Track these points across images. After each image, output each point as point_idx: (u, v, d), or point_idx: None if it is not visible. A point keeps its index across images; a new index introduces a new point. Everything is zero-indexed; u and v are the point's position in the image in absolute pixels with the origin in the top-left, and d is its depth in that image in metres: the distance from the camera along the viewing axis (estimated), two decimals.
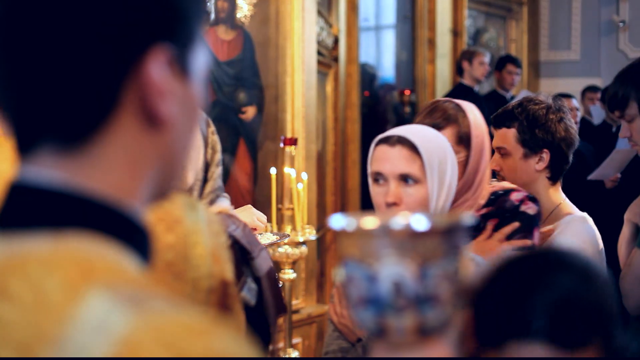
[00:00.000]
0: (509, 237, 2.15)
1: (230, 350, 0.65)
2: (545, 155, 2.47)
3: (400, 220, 1.02)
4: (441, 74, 6.80)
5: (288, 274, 3.64)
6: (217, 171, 2.15)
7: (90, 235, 0.71)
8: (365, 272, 0.99)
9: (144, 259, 0.77)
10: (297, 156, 4.29)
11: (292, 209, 3.72)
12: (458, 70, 6.52)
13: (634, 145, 2.35)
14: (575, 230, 2.42)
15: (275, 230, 3.69)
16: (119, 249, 0.72)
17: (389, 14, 7.06)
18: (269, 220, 3.73)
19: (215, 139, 2.12)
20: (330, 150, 5.29)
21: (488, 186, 2.22)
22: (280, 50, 4.47)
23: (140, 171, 0.77)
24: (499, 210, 2.18)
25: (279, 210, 3.75)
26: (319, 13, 4.88)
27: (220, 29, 4.28)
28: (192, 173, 1.79)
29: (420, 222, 1.00)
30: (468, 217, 1.05)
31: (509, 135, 2.50)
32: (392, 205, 1.85)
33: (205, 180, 2.13)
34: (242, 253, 1.75)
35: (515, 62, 6.82)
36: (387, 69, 7.16)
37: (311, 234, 3.72)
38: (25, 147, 0.75)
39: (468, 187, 2.18)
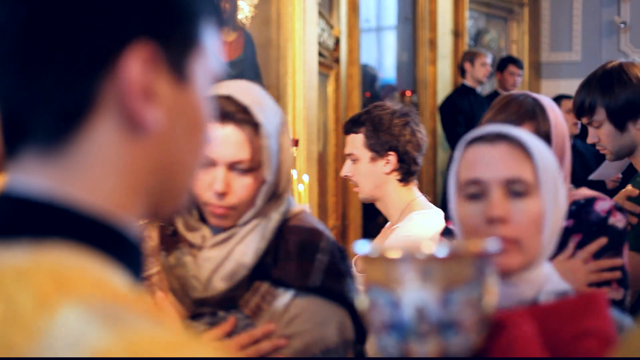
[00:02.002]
0: (596, 256, 1.89)
1: None
2: (392, 158, 2.53)
3: (425, 247, 1.00)
4: (442, 75, 6.79)
5: None
6: None
7: (71, 247, 0.67)
8: (389, 297, 0.98)
9: (134, 273, 0.72)
10: (299, 157, 4.28)
11: None
12: (460, 71, 6.52)
13: (602, 149, 2.44)
14: (415, 223, 2.48)
15: None
16: (103, 261, 0.68)
17: (390, 15, 7.06)
18: None
19: None
20: (332, 152, 5.29)
21: (568, 194, 1.89)
22: (281, 52, 4.47)
23: (128, 181, 0.72)
24: (583, 223, 1.91)
25: None
26: (320, 14, 4.88)
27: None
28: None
29: (443, 248, 0.99)
30: (493, 243, 1.04)
31: (356, 141, 2.57)
32: (497, 222, 1.31)
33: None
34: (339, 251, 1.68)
35: (517, 63, 6.82)
36: (388, 70, 7.16)
37: None
38: (11, 151, 0.72)
39: None
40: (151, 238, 1.70)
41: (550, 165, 1.36)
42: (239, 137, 1.58)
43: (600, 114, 2.35)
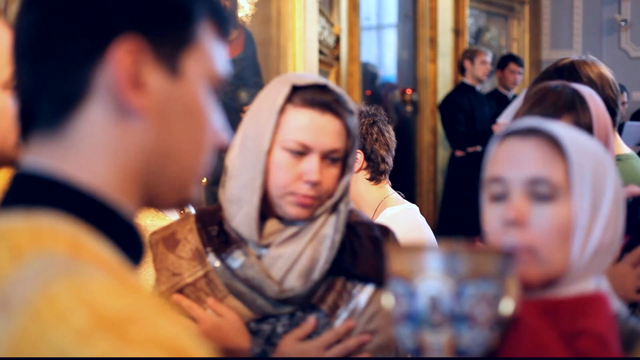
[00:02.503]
0: None
1: (146, 317, 0.65)
2: (359, 156, 2.54)
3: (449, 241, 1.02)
4: (443, 73, 6.79)
5: None
6: None
7: (59, 215, 0.74)
8: (406, 288, 1.00)
9: (123, 248, 0.77)
10: None
11: None
12: (460, 69, 6.52)
13: None
14: (390, 219, 2.47)
15: None
16: (86, 229, 0.74)
17: (391, 13, 7.05)
18: None
19: None
20: None
21: None
22: (281, 50, 4.46)
23: (119, 163, 0.79)
24: (631, 224, 1.62)
25: None
26: (321, 12, 4.88)
27: None
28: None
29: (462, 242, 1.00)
30: (508, 244, 1.03)
31: None
32: (512, 225, 1.14)
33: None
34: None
35: (517, 61, 6.82)
36: (388, 68, 7.15)
37: None
38: (24, 136, 0.81)
39: None
40: (188, 241, 1.62)
41: (590, 165, 1.15)
42: (337, 126, 1.57)
43: None
